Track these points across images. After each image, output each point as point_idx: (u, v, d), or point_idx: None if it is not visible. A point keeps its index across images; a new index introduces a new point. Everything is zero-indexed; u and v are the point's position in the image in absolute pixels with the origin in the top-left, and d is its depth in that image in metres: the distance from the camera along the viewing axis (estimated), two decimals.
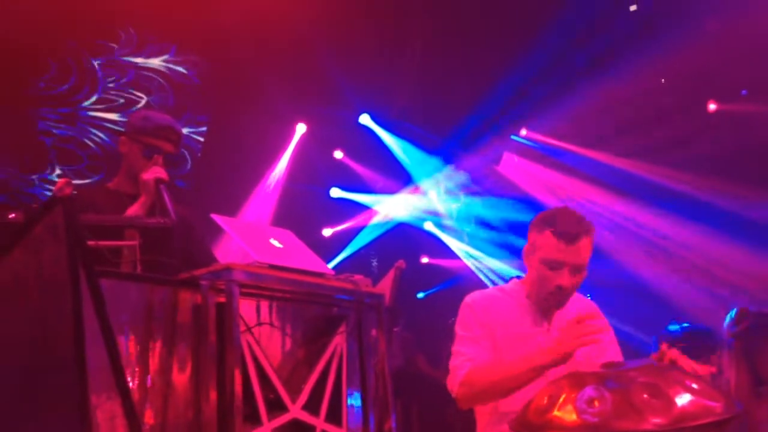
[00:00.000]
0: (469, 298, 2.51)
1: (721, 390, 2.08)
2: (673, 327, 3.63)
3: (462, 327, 2.46)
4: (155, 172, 2.65)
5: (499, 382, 2.29)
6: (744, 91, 6.76)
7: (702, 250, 6.68)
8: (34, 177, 5.50)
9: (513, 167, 7.93)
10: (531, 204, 7.39)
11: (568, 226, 2.33)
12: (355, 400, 2.51)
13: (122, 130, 2.87)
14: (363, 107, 7.51)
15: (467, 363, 2.37)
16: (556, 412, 2.05)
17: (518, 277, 2.63)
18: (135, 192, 2.71)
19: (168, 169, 2.73)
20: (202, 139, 6.30)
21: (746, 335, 2.91)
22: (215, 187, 6.21)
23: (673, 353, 2.25)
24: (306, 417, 2.29)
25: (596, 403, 2.01)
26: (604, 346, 2.51)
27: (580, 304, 2.58)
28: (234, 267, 2.13)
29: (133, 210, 2.62)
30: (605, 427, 1.96)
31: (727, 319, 3.00)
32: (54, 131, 5.65)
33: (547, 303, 2.42)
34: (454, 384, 2.39)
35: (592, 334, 2.17)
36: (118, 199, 2.73)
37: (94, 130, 5.74)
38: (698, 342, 3.46)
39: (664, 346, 2.24)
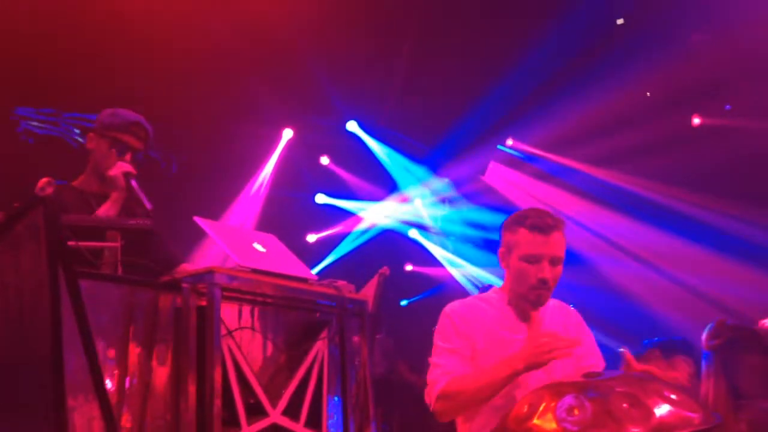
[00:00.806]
0: (448, 308, 2.50)
1: (698, 401, 2.09)
2: (644, 342, 3.67)
3: (441, 337, 2.46)
4: (121, 167, 2.61)
5: (476, 390, 2.30)
6: (728, 106, 6.83)
7: (684, 263, 6.73)
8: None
9: (498, 177, 7.95)
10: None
11: (541, 219, 2.39)
12: (335, 406, 2.50)
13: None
14: (350, 114, 7.51)
15: (444, 376, 2.37)
16: (535, 421, 2.06)
17: (490, 286, 2.64)
18: (101, 190, 2.67)
19: (138, 168, 2.69)
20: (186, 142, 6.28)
21: (724, 349, 2.93)
22: (200, 190, 6.18)
23: (639, 366, 2.26)
24: (286, 422, 2.28)
25: (576, 412, 2.01)
26: (585, 353, 2.52)
27: (564, 311, 2.58)
28: (216, 270, 2.13)
29: (106, 207, 2.58)
30: None
31: (705, 331, 3.02)
32: (37, 132, 5.62)
33: (530, 299, 2.43)
34: (431, 398, 2.38)
35: (565, 349, 2.19)
36: (82, 197, 2.68)
37: (78, 131, 5.71)
38: (672, 351, 3.49)
39: (627, 355, 2.25)
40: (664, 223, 6.84)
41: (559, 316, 2.54)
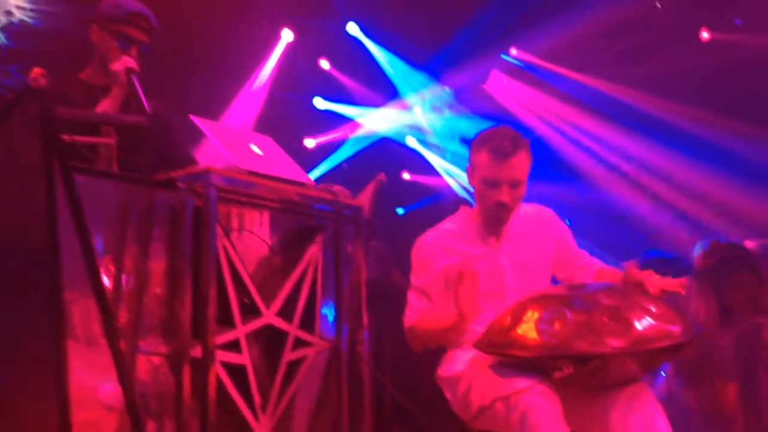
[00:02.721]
0: (417, 242, 2.58)
1: (680, 314, 2.12)
2: (645, 254, 3.70)
3: (412, 274, 2.56)
4: (125, 62, 2.55)
5: (431, 333, 2.42)
6: (738, 21, 6.65)
7: (681, 180, 6.72)
8: (11, 68, 5.36)
9: (500, 87, 7.83)
10: (515, 124, 7.30)
11: (502, 143, 2.42)
12: (328, 310, 2.55)
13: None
14: (351, 16, 7.32)
15: (412, 314, 2.50)
16: (518, 331, 2.10)
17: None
18: (106, 83, 2.62)
19: (143, 62, 2.63)
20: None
21: (716, 268, 2.99)
22: (197, 89, 6.08)
23: (641, 273, 2.28)
24: (279, 323, 2.32)
25: (557, 325, 2.05)
26: (568, 253, 2.57)
27: (537, 215, 2.63)
28: (212, 170, 2.11)
29: (106, 104, 2.53)
30: (564, 348, 2.01)
31: (697, 248, 3.07)
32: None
33: (490, 219, 2.50)
34: (405, 330, 2.52)
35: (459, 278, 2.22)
36: (89, 90, 2.64)
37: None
38: (665, 269, 3.53)
39: (631, 264, 2.28)
40: (665, 139, 6.79)
41: (532, 222, 2.60)
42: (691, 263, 3.29)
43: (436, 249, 2.52)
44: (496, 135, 2.47)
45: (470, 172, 2.54)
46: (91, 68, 2.71)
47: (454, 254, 2.49)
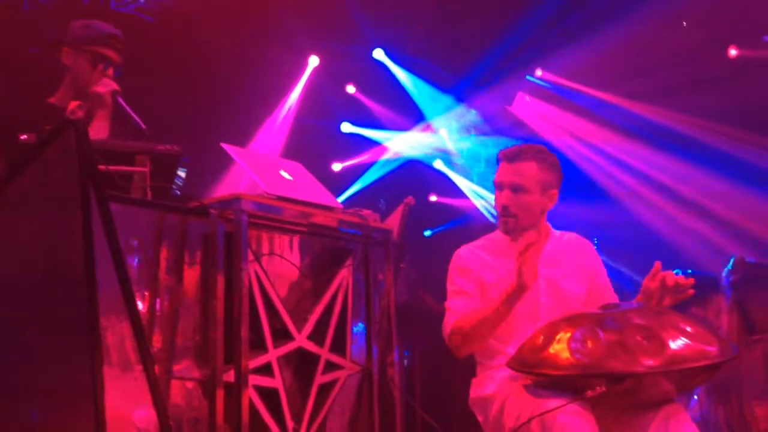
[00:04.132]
0: (453, 256, 2.60)
1: (715, 334, 2.09)
2: (676, 271, 3.64)
3: (449, 283, 2.57)
4: (107, 84, 2.54)
5: (483, 320, 2.38)
6: (766, 37, 6.60)
7: (713, 198, 6.64)
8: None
9: (526, 108, 7.83)
10: (542, 145, 7.31)
11: (510, 149, 2.50)
12: (359, 333, 2.56)
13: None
14: (377, 42, 7.39)
15: (454, 315, 2.47)
16: (550, 351, 2.09)
17: None
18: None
19: (120, 83, 2.61)
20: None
21: (741, 284, 2.96)
22: (226, 117, 6.17)
23: (667, 274, 2.25)
24: (311, 346, 2.33)
25: (589, 344, 2.04)
26: (599, 287, 2.55)
27: (578, 243, 2.63)
28: (243, 197, 2.15)
29: (96, 128, 2.50)
30: (597, 368, 2.00)
31: (727, 267, 3.05)
32: None
33: (501, 228, 2.53)
34: (446, 335, 2.49)
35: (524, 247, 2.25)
36: (58, 114, 2.56)
37: None
38: (697, 287, 3.48)
39: (658, 264, 2.25)
40: (693, 157, 6.72)
41: (569, 247, 2.60)
42: (718, 281, 3.25)
43: (474, 259, 2.54)
44: (514, 146, 2.55)
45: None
46: (62, 92, 2.68)
47: (490, 268, 2.51)
